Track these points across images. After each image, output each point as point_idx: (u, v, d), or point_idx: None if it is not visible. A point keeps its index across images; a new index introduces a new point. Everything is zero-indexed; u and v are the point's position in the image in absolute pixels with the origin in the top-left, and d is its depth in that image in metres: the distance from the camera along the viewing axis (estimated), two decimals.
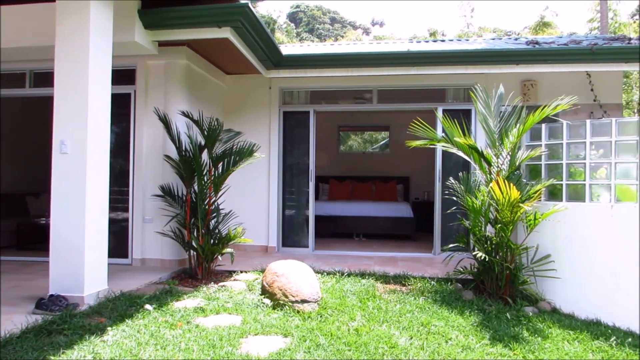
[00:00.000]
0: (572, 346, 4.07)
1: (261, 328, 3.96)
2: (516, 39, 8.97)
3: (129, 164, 6.25)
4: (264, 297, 4.61)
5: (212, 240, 5.54)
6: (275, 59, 6.59)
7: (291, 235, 7.53)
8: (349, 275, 5.60)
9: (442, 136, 5.52)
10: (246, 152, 5.51)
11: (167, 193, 5.72)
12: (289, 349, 3.58)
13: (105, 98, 4.59)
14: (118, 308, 4.26)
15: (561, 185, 5.09)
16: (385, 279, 5.55)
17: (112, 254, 5.24)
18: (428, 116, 6.24)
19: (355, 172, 11.22)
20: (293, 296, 4.38)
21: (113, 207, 6.18)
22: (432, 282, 5.39)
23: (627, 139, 4.72)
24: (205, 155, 5.74)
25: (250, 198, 7.51)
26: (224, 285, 5.11)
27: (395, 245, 8.13)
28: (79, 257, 4.34)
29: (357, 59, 6.81)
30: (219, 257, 5.61)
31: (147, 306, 4.31)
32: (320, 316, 4.29)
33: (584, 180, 4.92)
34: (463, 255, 5.48)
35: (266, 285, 4.62)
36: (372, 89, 7.52)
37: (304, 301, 4.38)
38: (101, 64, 4.51)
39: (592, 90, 6.99)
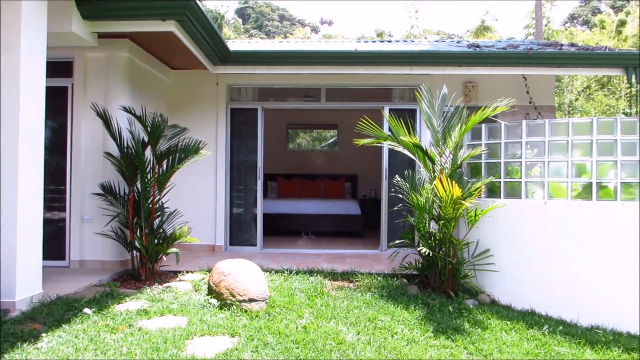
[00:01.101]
0: (509, 336, 4.28)
1: (207, 329, 3.88)
2: (458, 42, 9.30)
3: (67, 161, 5.93)
4: (211, 297, 4.52)
5: (156, 240, 5.37)
6: (222, 55, 6.47)
7: (239, 233, 7.44)
8: (297, 273, 5.61)
9: (389, 135, 5.64)
10: (192, 149, 5.38)
11: (107, 191, 5.48)
12: (236, 349, 3.54)
13: (38, 92, 4.32)
14: (54, 313, 4.03)
15: (499, 182, 5.34)
16: (333, 276, 5.60)
17: (47, 255, 4.95)
18: (375, 115, 6.36)
19: (304, 170, 11.24)
20: (240, 295, 4.33)
21: (49, 207, 5.84)
22: (379, 278, 5.50)
23: (559, 139, 5.02)
24: (149, 152, 5.55)
25: (197, 196, 7.34)
26: (169, 286, 4.96)
27: (343, 243, 8.23)
28: (10, 259, 4.07)
29: (306, 57, 6.82)
30: (164, 257, 5.45)
31: (86, 310, 4.11)
32: (269, 315, 4.27)
33: (520, 178, 5.18)
34: (408, 251, 5.63)
35: (213, 285, 4.53)
36: (320, 87, 7.56)
37: (251, 300, 4.34)
38: (34, 56, 4.24)
39: (527, 92, 7.37)
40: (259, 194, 7.42)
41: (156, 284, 5.12)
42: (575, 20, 34.00)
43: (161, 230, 5.48)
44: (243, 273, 4.50)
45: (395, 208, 6.46)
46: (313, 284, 5.17)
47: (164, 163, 5.44)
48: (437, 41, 10.33)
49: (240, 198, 7.52)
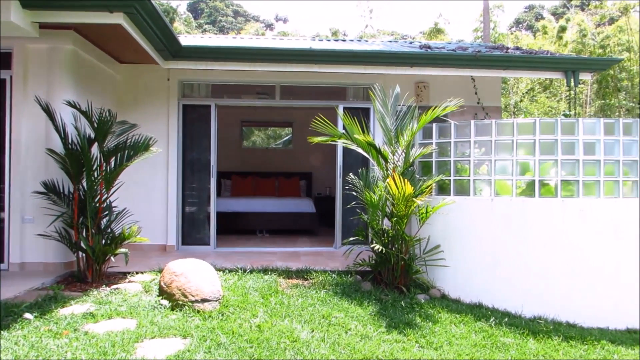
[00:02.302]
0: (458, 328, 4.43)
1: (158, 331, 3.78)
2: (411, 43, 9.51)
3: (5, 158, 5.59)
4: (162, 298, 4.41)
5: (104, 241, 5.16)
6: (173, 50, 6.30)
7: (192, 233, 7.29)
8: (251, 271, 5.56)
9: (343, 133, 5.69)
10: (142, 146, 5.21)
11: (51, 190, 5.22)
12: (189, 350, 3.47)
13: None
14: None
15: (449, 180, 5.50)
16: (288, 274, 5.59)
17: None
18: (330, 113, 6.39)
19: (258, 168, 11.15)
20: (193, 296, 4.24)
21: None
22: (333, 275, 5.55)
23: (505, 139, 5.24)
24: (95, 149, 5.32)
25: (148, 195, 7.12)
26: (117, 288, 4.79)
27: (298, 241, 8.23)
28: None
29: (260, 53, 6.76)
30: (112, 258, 5.25)
31: (27, 315, 3.90)
32: (222, 315, 4.21)
33: (469, 176, 5.37)
34: (362, 248, 5.70)
35: (164, 286, 4.41)
36: (275, 84, 7.51)
37: (204, 300, 4.26)
38: None
39: (476, 93, 7.64)
40: (212, 192, 7.30)
41: (104, 286, 4.93)
42: (520, 25, 35.57)
43: (109, 230, 5.28)
44: (195, 273, 4.41)
45: (350, 206, 6.53)
46: (267, 283, 5.15)
47: (112, 160, 5.24)
48: (390, 41, 10.52)
49: (193, 196, 7.37)
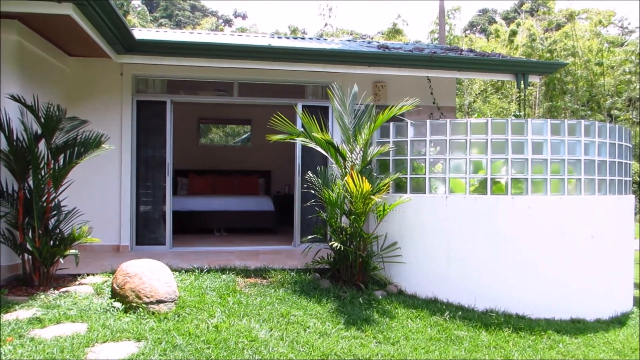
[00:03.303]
0: (414, 323, 4.53)
1: (111, 334, 3.66)
2: (369, 43, 9.62)
3: None
4: (115, 301, 4.26)
5: (52, 242, 4.93)
6: (127, 43, 6.09)
7: (146, 232, 7.08)
8: (208, 271, 5.47)
9: (302, 131, 5.69)
10: (93, 143, 5.02)
11: None
12: (143, 353, 3.38)
13: None
14: None
15: (406, 178, 5.61)
16: (246, 273, 5.54)
17: None
18: (289, 111, 6.37)
19: (216, 165, 10.97)
20: (147, 297, 4.13)
21: None
22: (292, 274, 5.54)
23: (459, 138, 5.39)
24: (43, 146, 5.08)
25: (100, 193, 6.86)
26: (66, 291, 4.59)
27: (257, 239, 8.17)
28: None
29: (218, 49, 6.64)
30: (61, 260, 5.02)
31: None
32: (178, 316, 4.12)
33: (425, 174, 5.49)
34: (321, 246, 5.73)
35: (117, 288, 4.27)
36: (233, 81, 7.41)
37: (159, 301, 4.16)
38: None
39: (431, 93, 7.82)
40: (168, 190, 7.12)
41: (52, 289, 4.71)
42: (474, 28, 36.70)
43: (57, 230, 5.05)
44: (150, 273, 4.30)
45: (309, 204, 6.54)
46: (225, 282, 5.08)
47: (61, 158, 5.01)
48: (349, 41, 10.60)
49: (147, 195, 7.16)
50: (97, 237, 5.38)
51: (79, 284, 4.89)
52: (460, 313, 4.88)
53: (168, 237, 7.09)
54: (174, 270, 5.27)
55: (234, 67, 6.75)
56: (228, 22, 41.87)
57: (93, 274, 5.24)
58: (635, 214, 14.52)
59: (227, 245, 7.50)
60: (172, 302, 4.25)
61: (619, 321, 5.25)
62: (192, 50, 6.54)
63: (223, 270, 5.56)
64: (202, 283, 5.00)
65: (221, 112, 11.21)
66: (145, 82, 7.19)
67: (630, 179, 6.17)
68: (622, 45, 22.40)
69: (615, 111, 20.65)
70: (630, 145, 6.15)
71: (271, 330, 4.05)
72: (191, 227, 8.66)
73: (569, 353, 4.25)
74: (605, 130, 5.55)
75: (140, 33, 7.81)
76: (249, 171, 10.93)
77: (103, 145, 5.12)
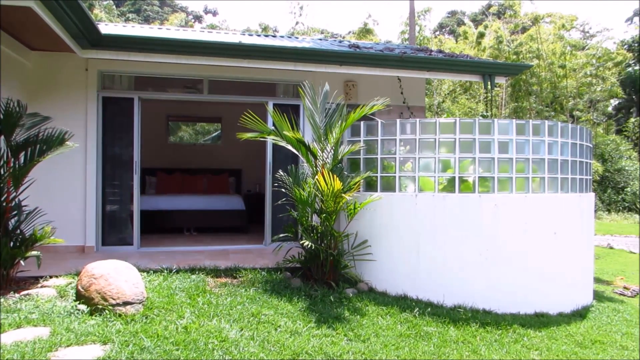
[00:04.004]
0: (384, 320, 4.58)
1: (75, 338, 3.55)
2: (340, 42, 9.64)
3: None
4: (79, 303, 4.14)
5: (12, 243, 4.74)
6: (92, 38, 5.92)
7: (113, 232, 6.90)
8: (178, 271, 5.38)
9: (273, 130, 5.66)
10: (56, 141, 4.85)
11: None
12: (109, 357, 3.29)
13: None
14: None
15: (376, 177, 5.66)
16: (216, 272, 5.47)
17: None
18: (260, 109, 6.33)
19: (185, 164, 10.79)
20: (114, 299, 4.03)
21: None
22: (263, 273, 5.51)
23: (428, 137, 5.47)
24: (2, 144, 4.88)
25: (64, 193, 6.64)
26: (28, 294, 4.43)
27: (227, 239, 8.08)
28: None
29: (188, 46, 6.52)
30: (22, 262, 4.84)
31: None
32: (146, 317, 4.03)
33: (395, 173, 5.56)
34: (292, 245, 5.72)
35: (82, 290, 4.15)
36: (203, 78, 7.30)
37: (126, 303, 4.06)
38: None
39: (402, 93, 7.91)
40: (136, 189, 6.96)
41: (12, 292, 4.53)
42: (443, 29, 37.33)
43: (18, 231, 4.86)
44: (117, 274, 4.19)
45: (279, 202, 6.51)
46: (195, 282, 5.01)
47: (22, 156, 4.83)
48: (320, 40, 10.61)
49: (114, 194, 6.97)
50: (61, 237, 5.21)
51: (41, 287, 4.73)
52: (429, 309, 4.96)
53: (136, 237, 6.94)
54: (141, 270, 5.16)
55: (203, 64, 6.64)
56: (198, 18, 41.24)
57: (56, 276, 5.07)
58: (595, 211, 15.09)
59: (197, 245, 7.40)
60: (139, 303, 4.16)
61: (580, 314, 5.45)
62: (161, 46, 6.40)
63: (193, 270, 5.48)
64: (171, 284, 4.91)
65: (191, 110, 11.03)
66: (112, 78, 7.01)
67: (591, 177, 6.40)
68: (583, 48, 23.23)
69: (577, 112, 21.40)
70: (591, 145, 6.39)
71: (242, 330, 4.01)
72: (160, 227, 8.50)
73: (533, 346, 4.38)
74: (568, 131, 5.74)
75: (107, 28, 7.60)
76: (219, 170, 10.80)
77: (67, 142, 4.95)
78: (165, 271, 5.34)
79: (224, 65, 6.71)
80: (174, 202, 8.77)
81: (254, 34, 10.14)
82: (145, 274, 5.16)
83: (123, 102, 6.93)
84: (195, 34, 9.11)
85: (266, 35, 10.07)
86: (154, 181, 9.97)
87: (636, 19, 35.55)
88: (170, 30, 9.16)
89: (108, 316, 3.96)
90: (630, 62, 28.34)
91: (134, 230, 6.93)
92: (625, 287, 7.22)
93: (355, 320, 4.49)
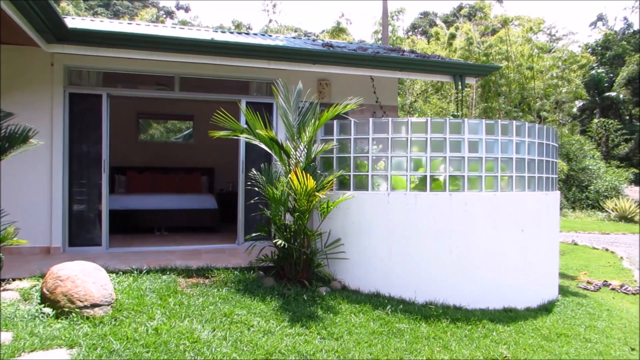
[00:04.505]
0: (357, 318, 4.61)
1: (40, 342, 3.44)
2: (314, 40, 9.64)
3: None
4: (45, 306, 4.02)
5: None
6: (58, 32, 5.73)
7: (81, 233, 6.72)
8: (148, 272, 5.28)
9: (246, 128, 5.61)
10: (19, 138, 4.67)
11: None
12: None
13: None
14: None
15: (349, 175, 5.69)
16: (188, 273, 5.40)
17: None
18: (233, 107, 6.27)
19: (156, 162, 10.60)
20: (81, 301, 3.92)
21: None
22: (236, 272, 5.47)
23: (400, 137, 5.53)
24: None
25: (28, 192, 6.43)
26: None
27: (199, 238, 7.98)
28: None
29: (159, 42, 6.39)
30: None
31: None
32: (115, 320, 3.95)
33: (367, 172, 5.59)
34: (265, 244, 5.69)
35: (47, 292, 4.03)
36: (174, 75, 7.18)
37: (94, 305, 3.96)
38: None
39: (374, 92, 7.97)
40: (104, 188, 6.79)
41: None
42: (416, 30, 37.79)
43: None
44: (84, 276, 4.09)
45: (252, 201, 6.47)
46: (166, 283, 4.92)
47: None
48: (294, 38, 10.58)
49: (82, 193, 6.79)
50: (26, 238, 5.05)
51: (4, 290, 4.56)
52: (401, 306, 5.02)
53: (104, 237, 6.77)
54: (110, 272, 5.04)
55: (175, 60, 6.54)
56: (170, 14, 40.52)
57: (20, 279, 4.90)
58: (560, 208, 15.56)
59: (168, 245, 7.28)
60: (108, 305, 4.06)
61: (546, 309, 5.61)
62: (130, 42, 6.25)
63: (164, 270, 5.38)
64: (141, 284, 4.82)
65: (162, 107, 10.84)
66: (79, 73, 6.81)
67: (556, 176, 6.60)
68: (550, 51, 23.91)
69: (544, 113, 22.02)
70: (557, 145, 6.58)
71: (214, 330, 3.97)
72: (130, 227, 8.32)
73: (502, 340, 4.49)
74: (535, 131, 5.90)
75: (74, 22, 7.38)
76: (192, 168, 10.65)
77: (31, 140, 4.79)
78: (135, 272, 5.24)
79: (196, 62, 6.62)
80: (145, 202, 8.60)
81: (226, 31, 10.02)
82: (114, 275, 5.04)
83: (91, 98, 6.75)
84: (167, 29, 8.95)
85: (239, 33, 9.98)
86: (124, 180, 9.76)
87: (599, 23, 36.85)
88: (140, 26, 8.97)
89: (75, 319, 3.85)
90: (594, 65, 29.37)
91: (102, 230, 6.77)
92: (588, 282, 7.48)
93: (328, 318, 4.50)
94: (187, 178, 10.21)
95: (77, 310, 3.89)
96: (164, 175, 10.10)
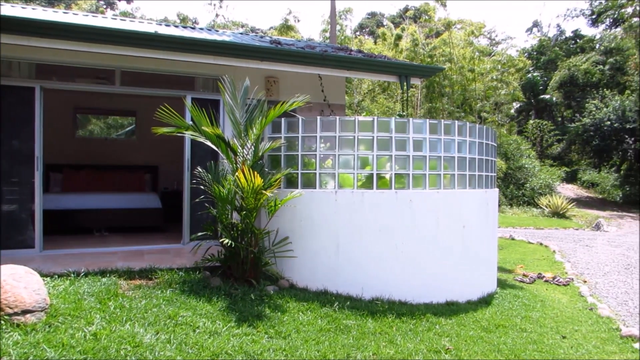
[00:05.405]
0: (305, 316, 4.62)
1: None
2: (262, 37, 9.55)
3: None
4: None
5: None
6: None
7: (11, 234, 6.29)
8: (86, 275, 5.03)
9: (191, 125, 5.47)
10: None
11: None
12: None
13: None
14: None
15: (297, 173, 5.68)
16: (129, 274, 5.20)
17: None
18: (177, 103, 6.09)
19: (96, 160, 10.11)
20: (11, 308, 3.68)
21: None
22: (181, 273, 5.32)
23: (348, 135, 5.59)
24: None
25: None
26: None
27: (142, 238, 7.70)
28: None
29: (99, 33, 6.07)
30: None
31: None
32: (49, 326, 3.73)
33: (315, 170, 5.61)
34: (211, 243, 5.58)
35: None
36: (115, 69, 6.87)
37: (26, 312, 3.72)
38: None
39: (322, 91, 8.01)
40: (38, 187, 6.39)
41: None
42: (363, 30, 38.36)
43: None
44: (14, 281, 3.83)
45: (198, 200, 6.32)
46: (106, 286, 4.71)
47: None
48: (241, 34, 10.43)
49: (12, 193, 6.35)
50: None
51: None
52: (348, 303, 5.08)
53: (38, 239, 6.38)
54: (44, 275, 4.77)
55: (115, 53, 6.25)
56: (111, 4, 38.78)
57: None
58: (499, 205, 16.34)
59: (109, 246, 6.97)
60: (42, 311, 3.83)
61: (486, 301, 5.87)
62: (67, 32, 5.91)
63: (103, 273, 5.15)
64: (78, 288, 4.58)
65: (102, 102, 10.34)
66: (9, 64, 6.37)
67: (495, 174, 6.91)
68: (490, 54, 25.01)
69: (484, 114, 23.03)
70: (496, 145, 6.89)
71: (157, 333, 3.85)
72: (67, 228, 7.90)
73: (444, 333, 4.64)
74: (475, 131, 6.15)
75: (4, 9, 6.89)
76: (134, 166, 10.26)
77: None
78: (72, 275, 4.98)
79: (138, 56, 6.37)
80: (83, 201, 8.20)
81: (171, 25, 9.71)
82: (48, 279, 4.77)
83: (22, 91, 6.33)
84: (107, 21, 8.54)
85: (185, 27, 9.70)
86: (60, 178, 9.24)
87: (535, 29, 38.98)
88: (78, 16, 8.52)
89: (4, 327, 3.60)
90: (530, 69, 31.06)
91: (35, 231, 6.37)
92: (524, 275, 7.89)
93: (276, 317, 4.48)
94: (130, 176, 9.83)
95: (7, 317, 3.64)
96: (105, 173, 9.67)
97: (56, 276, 4.92)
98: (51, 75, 6.71)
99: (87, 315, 3.98)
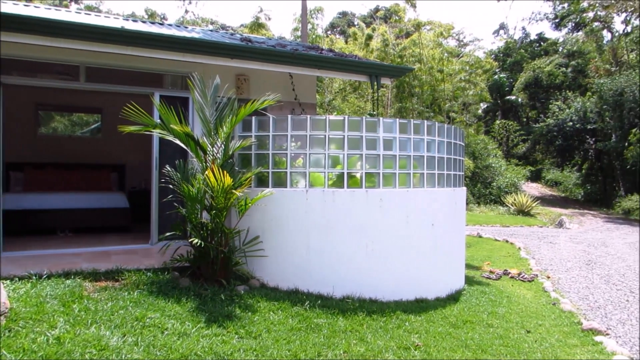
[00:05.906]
0: (276, 315, 4.60)
1: None
2: (232, 34, 9.46)
3: None
4: None
5: None
6: None
7: None
8: (49, 277, 4.87)
9: (159, 123, 5.37)
10: None
11: None
12: None
13: None
14: None
15: (268, 172, 5.66)
16: (95, 276, 5.06)
17: None
18: (145, 101, 5.96)
19: (60, 158, 9.79)
20: None
21: None
22: (149, 274, 5.21)
23: (319, 134, 5.60)
24: None
25: None
26: None
27: (109, 239, 7.51)
28: None
29: (62, 27, 5.87)
30: None
31: None
32: (9, 331, 3.59)
33: (286, 169, 5.60)
34: (180, 243, 5.49)
35: None
36: (79, 64, 6.67)
37: None
38: None
39: (293, 89, 8.00)
40: None
41: None
42: (335, 29, 38.46)
43: None
44: None
45: (167, 199, 6.21)
46: (70, 288, 4.57)
47: None
48: (211, 31, 10.29)
49: None
50: None
51: None
52: (319, 302, 5.08)
53: None
54: (4, 278, 4.59)
55: (79, 49, 6.07)
56: None
57: None
58: (467, 204, 16.69)
59: (73, 247, 6.76)
60: (1, 315, 3.69)
61: (454, 298, 5.99)
62: (27, 26, 5.69)
63: (67, 274, 5.00)
64: (40, 291, 4.43)
65: (66, 99, 10.01)
66: None
67: (463, 173, 7.05)
68: (458, 56, 25.51)
69: (453, 114, 23.48)
70: (463, 144, 7.03)
71: (124, 335, 3.76)
72: (29, 229, 7.63)
73: (414, 330, 4.71)
74: (444, 130, 6.26)
75: None
76: (100, 165, 9.98)
77: None
78: (34, 277, 4.81)
79: (104, 51, 6.20)
80: (46, 200, 7.93)
81: (139, 20, 9.49)
82: (8, 281, 4.60)
83: None
84: (71, 15, 8.28)
85: (153, 23, 9.50)
86: (21, 177, 8.91)
87: (502, 32, 39.96)
88: (39, 9, 8.22)
89: None
90: (497, 70, 31.85)
91: None
92: (491, 272, 8.09)
93: (246, 317, 4.45)
94: (95, 175, 9.57)
95: None
96: (69, 172, 9.38)
97: (17, 279, 4.74)
98: (11, 70, 6.45)
99: (50, 319, 3.86)
